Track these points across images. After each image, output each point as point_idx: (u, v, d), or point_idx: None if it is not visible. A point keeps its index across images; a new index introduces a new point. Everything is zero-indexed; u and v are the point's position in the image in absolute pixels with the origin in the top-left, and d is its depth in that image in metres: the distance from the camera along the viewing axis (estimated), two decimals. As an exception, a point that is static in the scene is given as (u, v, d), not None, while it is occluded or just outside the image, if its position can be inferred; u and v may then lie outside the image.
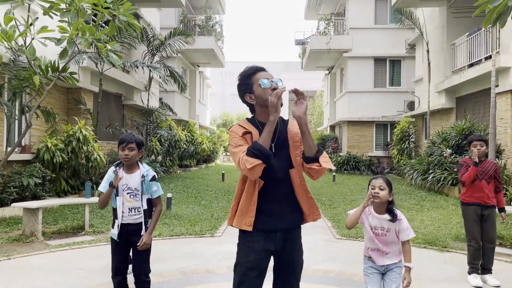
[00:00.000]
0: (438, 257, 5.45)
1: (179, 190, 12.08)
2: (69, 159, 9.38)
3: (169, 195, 8.56)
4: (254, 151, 2.19)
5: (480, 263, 4.50)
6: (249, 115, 2.56)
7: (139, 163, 3.50)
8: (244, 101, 2.46)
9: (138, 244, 3.30)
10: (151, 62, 14.27)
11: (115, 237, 3.38)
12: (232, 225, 2.41)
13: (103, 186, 3.43)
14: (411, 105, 18.56)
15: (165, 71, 14.70)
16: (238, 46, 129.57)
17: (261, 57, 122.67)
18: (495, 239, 4.59)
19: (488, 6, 5.14)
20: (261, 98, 2.35)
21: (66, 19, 6.50)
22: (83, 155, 9.71)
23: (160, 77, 14.98)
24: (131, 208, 3.40)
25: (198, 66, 24.46)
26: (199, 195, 11.25)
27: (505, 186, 9.30)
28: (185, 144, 18.18)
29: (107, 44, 6.98)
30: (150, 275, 3.50)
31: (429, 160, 12.50)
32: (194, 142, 19.74)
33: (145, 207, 3.42)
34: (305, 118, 2.25)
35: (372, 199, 2.89)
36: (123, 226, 3.37)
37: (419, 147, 17.19)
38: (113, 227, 3.46)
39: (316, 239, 6.46)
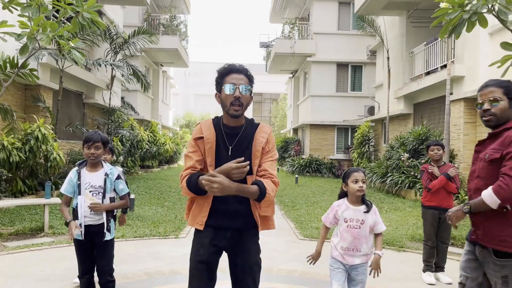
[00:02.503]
0: (396, 257, 5.69)
1: (141, 191, 11.91)
2: (26, 159, 9.05)
3: (132, 196, 8.44)
4: (190, 184, 2.26)
5: (434, 261, 4.77)
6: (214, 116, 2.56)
7: (103, 162, 3.51)
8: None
9: (89, 206, 3.33)
10: (113, 60, 13.99)
11: (79, 237, 3.34)
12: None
13: (64, 188, 3.40)
14: (371, 110, 19.13)
15: (128, 69, 14.44)
16: (203, 47, 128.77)
17: (226, 59, 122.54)
18: (448, 239, 4.87)
19: (445, 18, 5.43)
20: (223, 103, 2.35)
21: (26, 14, 6.31)
22: (41, 154, 9.40)
23: (122, 76, 14.70)
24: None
25: (162, 65, 24.16)
26: (162, 196, 11.15)
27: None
28: (147, 144, 17.91)
29: (69, 42, 6.81)
30: (115, 276, 3.50)
31: (387, 164, 12.94)
32: (157, 142, 19.49)
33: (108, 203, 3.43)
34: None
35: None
36: (85, 228, 3.35)
37: (378, 151, 17.74)
38: (73, 220, 3.42)
39: (279, 240, 6.57)
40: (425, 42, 13.53)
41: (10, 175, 8.61)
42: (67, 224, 3.31)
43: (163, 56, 21.74)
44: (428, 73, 13.22)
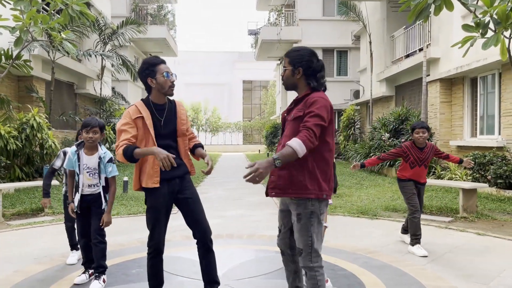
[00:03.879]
0: (368, 224, 6.24)
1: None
2: (23, 147, 9.47)
3: (125, 178, 8.92)
4: (126, 154, 2.83)
5: (404, 225, 5.19)
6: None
7: (99, 145, 3.94)
8: (144, 82, 3.01)
9: (100, 224, 3.73)
10: (103, 51, 14.34)
11: (77, 209, 3.84)
12: (140, 188, 3.03)
13: (66, 164, 3.87)
14: (356, 94, 19.65)
15: (118, 60, 14.80)
16: (191, 36, 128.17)
17: (215, 47, 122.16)
18: (421, 210, 5.33)
19: (411, 3, 5.95)
20: (161, 86, 2.98)
21: (19, 7, 6.70)
22: (37, 142, 9.82)
23: (112, 66, 15.05)
24: (90, 185, 3.86)
25: (151, 55, 24.43)
26: (154, 180, 11.61)
27: (433, 165, 10.37)
28: (139, 132, 18.31)
29: (61, 33, 7.22)
30: (112, 245, 3.97)
31: (370, 144, 13.51)
32: (148, 130, 19.88)
33: (103, 183, 3.88)
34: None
35: None
36: (83, 197, 3.83)
37: (363, 133, 18.30)
38: (73, 201, 3.90)
39: (264, 213, 7.12)
40: (404, 26, 14.02)
41: (8, 161, 9.04)
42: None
43: (152, 45, 22.04)
44: (407, 56, 13.73)
